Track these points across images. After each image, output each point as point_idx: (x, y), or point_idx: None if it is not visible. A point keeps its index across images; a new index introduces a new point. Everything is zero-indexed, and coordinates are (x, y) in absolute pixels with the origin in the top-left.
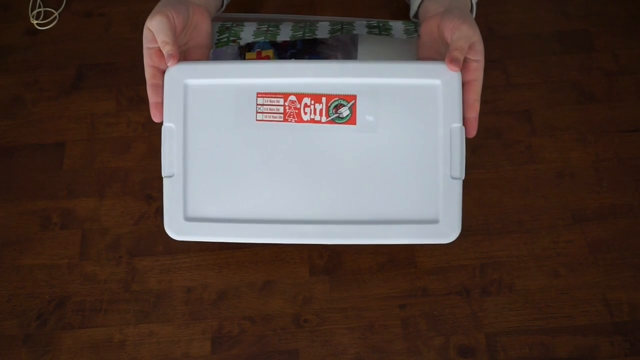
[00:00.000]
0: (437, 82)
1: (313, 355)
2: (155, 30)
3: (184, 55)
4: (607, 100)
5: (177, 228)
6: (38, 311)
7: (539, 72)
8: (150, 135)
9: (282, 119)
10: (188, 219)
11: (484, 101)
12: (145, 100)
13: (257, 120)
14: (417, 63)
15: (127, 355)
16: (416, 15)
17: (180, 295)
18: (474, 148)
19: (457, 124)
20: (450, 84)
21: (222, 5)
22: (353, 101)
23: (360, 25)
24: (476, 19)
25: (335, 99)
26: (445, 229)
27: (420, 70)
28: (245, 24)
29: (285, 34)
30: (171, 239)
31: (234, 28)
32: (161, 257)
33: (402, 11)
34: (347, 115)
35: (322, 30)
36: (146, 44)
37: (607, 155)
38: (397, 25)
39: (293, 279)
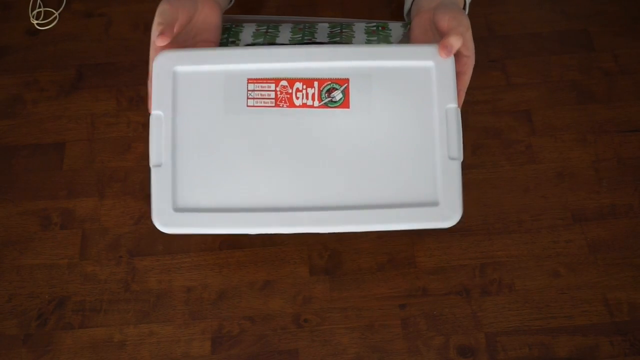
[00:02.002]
0: (430, 63)
1: (313, 355)
2: (156, 16)
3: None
4: (607, 100)
5: (165, 220)
6: (38, 311)
7: (539, 72)
8: None
9: (273, 105)
10: (177, 209)
11: (483, 101)
12: (145, 100)
13: (247, 106)
14: (410, 46)
15: (127, 355)
16: (409, 13)
17: (180, 295)
18: (473, 148)
19: (453, 105)
20: (443, 66)
21: (231, 1)
22: (346, 84)
23: (359, 28)
24: (476, 18)
25: (328, 82)
26: (445, 211)
27: (412, 52)
28: (244, 25)
29: (284, 36)
30: (171, 238)
31: (233, 29)
32: (161, 257)
33: (402, 11)
34: (340, 98)
35: (321, 33)
36: (153, 37)
37: (607, 155)
38: (396, 28)
39: (293, 279)
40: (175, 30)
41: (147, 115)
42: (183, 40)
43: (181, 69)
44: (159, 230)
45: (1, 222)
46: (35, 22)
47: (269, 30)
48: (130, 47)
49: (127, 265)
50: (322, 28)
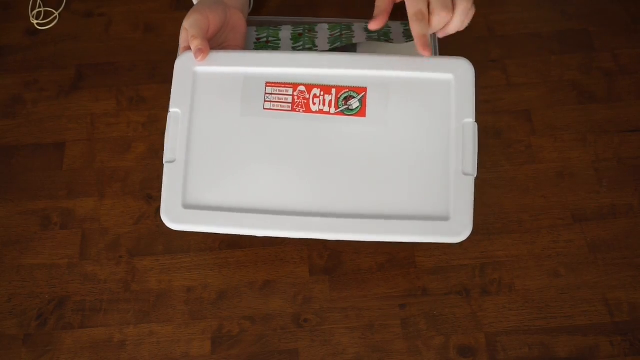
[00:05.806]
0: (450, 76)
1: (313, 355)
2: (189, 27)
3: None
4: (607, 100)
5: (173, 216)
6: (38, 311)
7: (539, 72)
8: (150, 135)
9: (290, 109)
10: (187, 206)
11: (483, 101)
12: (145, 100)
13: (264, 109)
14: (430, 57)
15: (127, 355)
16: None
17: (180, 295)
18: None
19: (470, 119)
20: (463, 79)
21: (250, 7)
22: (363, 93)
23: (359, 29)
24: (476, 18)
25: (346, 90)
26: (456, 226)
27: (432, 64)
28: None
29: (286, 46)
30: (171, 238)
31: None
32: (161, 257)
33: (401, 11)
34: (357, 107)
35: (322, 40)
36: (182, 44)
37: (607, 155)
38: (396, 28)
39: (293, 279)
40: (207, 38)
41: (147, 115)
42: (212, 47)
43: (201, 69)
44: (159, 230)
45: (1, 222)
46: (35, 22)
47: (270, 39)
48: (130, 47)
49: (127, 265)
50: (322, 30)
